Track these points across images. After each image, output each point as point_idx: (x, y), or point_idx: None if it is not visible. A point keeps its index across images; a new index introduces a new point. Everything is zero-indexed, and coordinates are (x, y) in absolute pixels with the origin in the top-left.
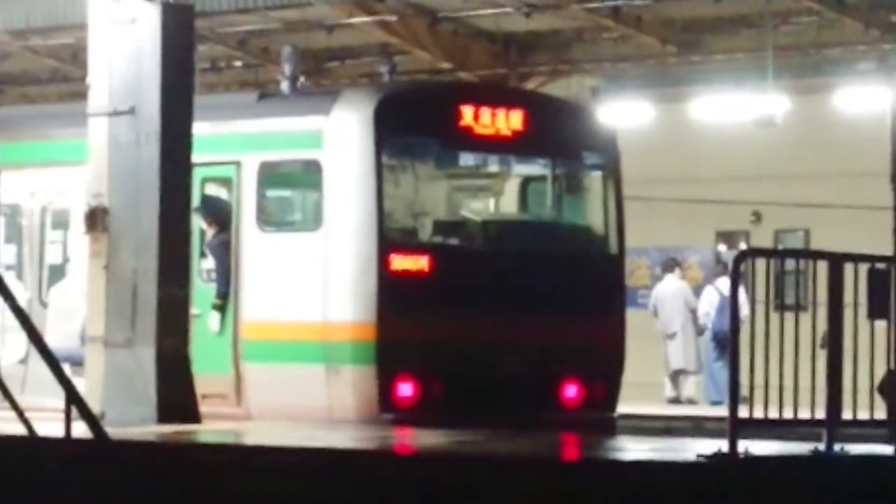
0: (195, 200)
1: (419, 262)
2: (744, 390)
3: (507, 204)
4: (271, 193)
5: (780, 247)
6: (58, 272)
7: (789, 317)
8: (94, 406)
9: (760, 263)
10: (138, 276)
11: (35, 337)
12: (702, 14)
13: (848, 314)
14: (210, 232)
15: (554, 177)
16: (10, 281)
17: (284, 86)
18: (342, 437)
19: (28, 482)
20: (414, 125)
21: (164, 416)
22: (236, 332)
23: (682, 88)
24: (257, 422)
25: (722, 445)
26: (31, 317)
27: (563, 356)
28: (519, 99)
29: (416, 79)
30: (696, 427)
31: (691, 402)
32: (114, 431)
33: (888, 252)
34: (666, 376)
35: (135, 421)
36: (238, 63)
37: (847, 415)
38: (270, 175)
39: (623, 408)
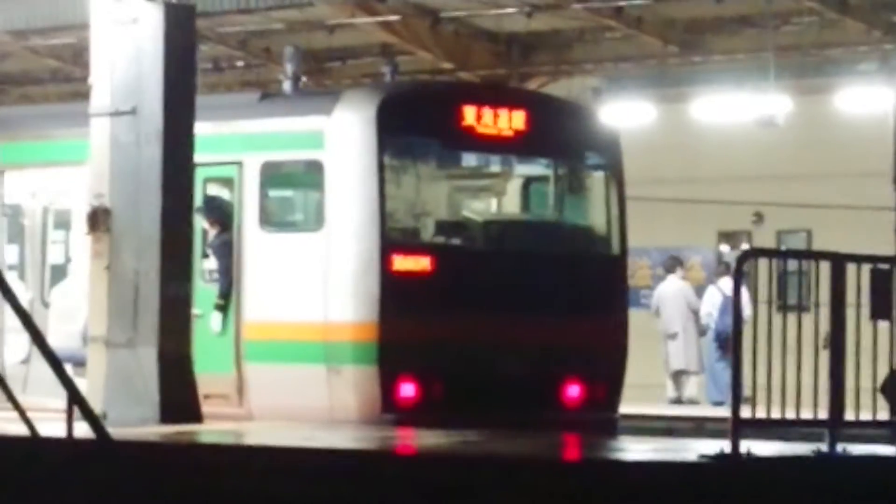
0: (197, 200)
1: (421, 263)
2: (746, 390)
3: (508, 204)
4: (273, 193)
5: (782, 247)
6: (59, 272)
7: (791, 317)
8: (96, 406)
9: (763, 264)
10: (140, 277)
11: (37, 337)
12: (703, 14)
13: (850, 314)
14: (212, 232)
15: (556, 177)
16: (12, 281)
17: (286, 86)
18: (343, 438)
19: (30, 482)
20: (416, 125)
21: (166, 416)
22: (238, 332)
23: (683, 89)
24: (259, 422)
25: (724, 446)
26: (32, 317)
27: (565, 356)
28: (520, 99)
29: (418, 79)
30: (698, 427)
31: (693, 402)
32: (115, 432)
33: (890, 252)
34: (667, 377)
35: (136, 421)
36: (240, 63)
37: (849, 415)
38: (272, 175)
39: (625, 408)
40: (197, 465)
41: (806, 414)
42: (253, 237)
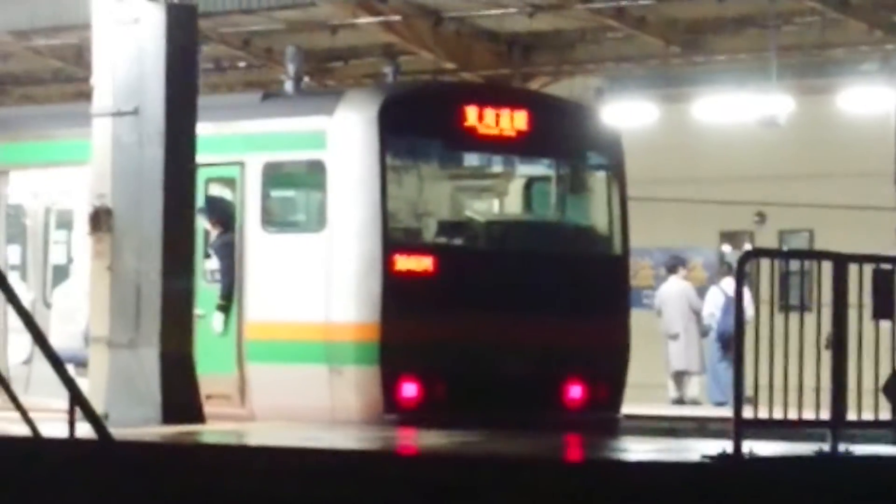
0: (199, 201)
1: (423, 263)
2: (748, 391)
3: (510, 204)
4: (275, 194)
5: (785, 247)
6: (61, 273)
7: (794, 317)
8: (98, 407)
9: (765, 264)
10: (142, 277)
11: (39, 338)
12: (705, 14)
13: (852, 315)
14: (214, 232)
15: (558, 177)
16: (14, 282)
17: (288, 86)
18: (345, 438)
19: (32, 482)
20: (418, 126)
21: (168, 416)
22: (240, 332)
23: (685, 89)
24: (260, 422)
25: (726, 446)
26: (34, 317)
27: (567, 357)
28: (522, 99)
29: (420, 79)
30: (701, 428)
31: (695, 402)
32: (117, 432)
33: (892, 252)
34: (668, 377)
35: (138, 421)
36: (242, 63)
37: (851, 416)
38: (274, 175)
39: (627, 408)
40: (199, 465)
41: (808, 414)
42: (255, 238)
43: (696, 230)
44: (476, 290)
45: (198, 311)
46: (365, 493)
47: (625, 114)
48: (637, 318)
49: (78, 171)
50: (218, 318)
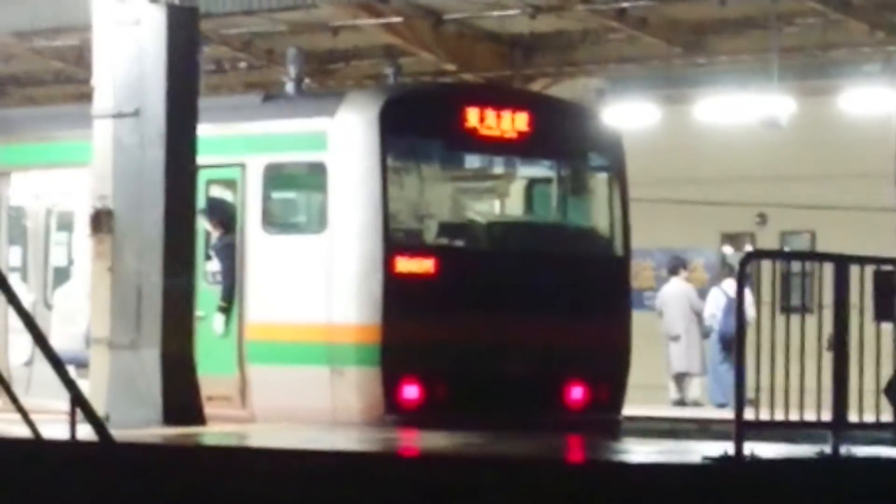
0: (200, 202)
1: (424, 264)
2: (749, 392)
3: (512, 206)
4: (276, 195)
5: (786, 248)
6: (62, 274)
7: (795, 319)
8: (99, 408)
9: (766, 265)
10: (143, 278)
11: (40, 339)
12: (707, 15)
13: (854, 316)
14: (215, 234)
15: (559, 178)
16: (15, 283)
17: (289, 87)
18: (346, 439)
19: (32, 484)
20: (419, 127)
21: (169, 417)
22: (241, 333)
23: (687, 90)
24: (261, 424)
25: (727, 448)
26: (35, 319)
27: (569, 358)
28: (524, 100)
29: (421, 80)
30: (702, 429)
31: (696, 404)
32: (118, 433)
33: (894, 254)
34: (669, 378)
35: (139, 423)
36: (242, 65)
37: (853, 417)
38: (275, 177)
39: (628, 410)
40: (199, 466)
41: (809, 416)
42: (256, 239)
43: (697, 231)
44: (477, 292)
45: (199, 312)
46: (366, 495)
47: (626, 115)
48: (638, 319)
49: (79, 173)
50: (219, 319)
